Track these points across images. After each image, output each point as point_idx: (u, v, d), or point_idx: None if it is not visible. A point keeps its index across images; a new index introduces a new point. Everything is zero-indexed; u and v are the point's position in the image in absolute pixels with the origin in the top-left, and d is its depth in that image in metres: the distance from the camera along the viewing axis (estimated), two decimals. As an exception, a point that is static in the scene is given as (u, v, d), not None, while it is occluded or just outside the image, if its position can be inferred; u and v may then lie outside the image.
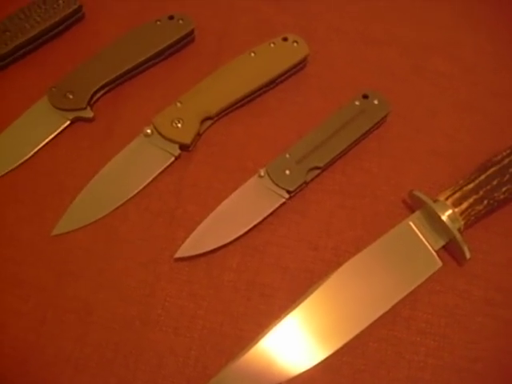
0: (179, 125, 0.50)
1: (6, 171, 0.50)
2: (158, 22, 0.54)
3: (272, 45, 0.53)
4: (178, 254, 0.45)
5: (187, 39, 0.55)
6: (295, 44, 0.53)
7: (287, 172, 0.47)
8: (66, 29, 0.56)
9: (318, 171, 0.49)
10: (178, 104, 0.50)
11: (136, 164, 0.49)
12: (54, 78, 0.53)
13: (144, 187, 0.49)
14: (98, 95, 0.52)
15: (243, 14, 0.58)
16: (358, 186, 0.49)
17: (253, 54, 0.53)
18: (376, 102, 0.51)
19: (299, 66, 0.54)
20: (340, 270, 0.45)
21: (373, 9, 0.59)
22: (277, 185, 0.47)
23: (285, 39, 0.53)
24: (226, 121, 0.52)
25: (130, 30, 0.54)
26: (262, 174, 0.48)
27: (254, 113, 0.53)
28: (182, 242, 0.46)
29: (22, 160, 0.50)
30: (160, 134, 0.50)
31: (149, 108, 0.53)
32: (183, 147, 0.50)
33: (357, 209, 0.48)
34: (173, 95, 0.52)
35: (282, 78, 0.53)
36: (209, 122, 0.51)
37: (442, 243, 0.46)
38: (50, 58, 0.55)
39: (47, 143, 0.51)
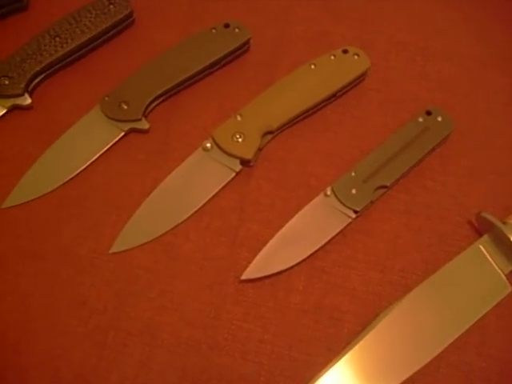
0: (240, 139, 0.48)
1: (59, 185, 0.47)
2: (214, 30, 0.52)
3: (332, 57, 0.51)
4: (245, 276, 0.44)
5: (243, 48, 0.53)
6: (356, 57, 0.52)
7: (353, 191, 0.46)
8: (117, 34, 0.54)
9: (383, 190, 0.47)
10: (239, 117, 0.49)
11: (196, 179, 0.47)
12: (104, 86, 0.51)
13: (204, 204, 0.47)
14: (153, 105, 0.50)
15: (299, 24, 0.56)
16: (423, 205, 0.48)
17: (313, 67, 0.51)
18: (439, 118, 0.50)
19: (358, 80, 0.53)
20: (410, 294, 0.43)
21: (432, 23, 0.57)
22: (343, 204, 0.46)
23: (345, 51, 0.52)
24: (286, 135, 0.51)
25: (184, 39, 0.52)
26: (328, 192, 0.46)
27: (314, 127, 0.51)
28: (247, 263, 0.44)
29: (75, 173, 0.48)
30: (220, 148, 0.48)
31: (205, 119, 0.51)
32: (244, 162, 0.48)
33: (423, 229, 0.47)
34: (229, 106, 0.51)
35: (342, 91, 0.52)
36: (269, 137, 0.50)
37: (511, 267, 0.45)
38: (100, 65, 0.53)
39: (101, 155, 0.49)
